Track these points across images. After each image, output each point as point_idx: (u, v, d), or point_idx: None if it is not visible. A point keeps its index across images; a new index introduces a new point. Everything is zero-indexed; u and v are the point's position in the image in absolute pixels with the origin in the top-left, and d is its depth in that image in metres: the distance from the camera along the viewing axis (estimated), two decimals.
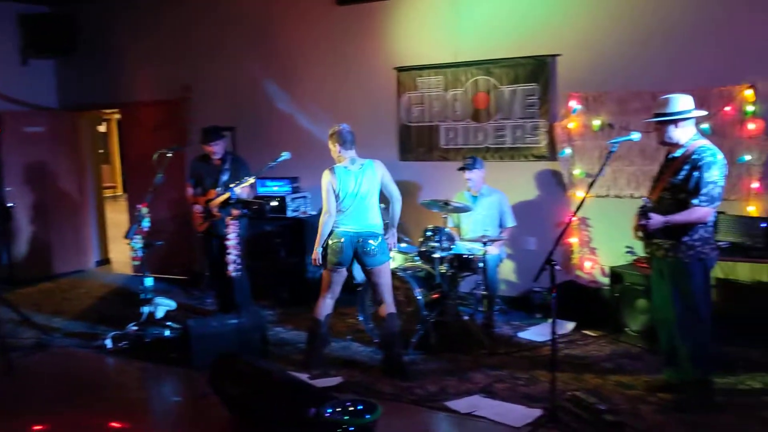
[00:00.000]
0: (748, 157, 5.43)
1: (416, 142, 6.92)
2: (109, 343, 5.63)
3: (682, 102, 4.04)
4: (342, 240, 4.82)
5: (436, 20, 6.67)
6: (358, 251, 4.83)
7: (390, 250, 5.06)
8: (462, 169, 6.04)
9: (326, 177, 4.84)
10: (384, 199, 5.05)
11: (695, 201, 3.90)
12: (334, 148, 4.90)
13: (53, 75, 9.15)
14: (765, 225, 5.02)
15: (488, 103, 6.49)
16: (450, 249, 5.57)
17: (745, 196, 5.49)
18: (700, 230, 3.96)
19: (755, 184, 5.44)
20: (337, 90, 7.28)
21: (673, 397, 4.17)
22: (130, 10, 8.49)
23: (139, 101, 8.58)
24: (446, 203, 5.63)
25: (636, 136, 4.22)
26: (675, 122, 4.02)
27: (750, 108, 5.38)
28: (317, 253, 4.89)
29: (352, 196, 4.82)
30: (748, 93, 5.38)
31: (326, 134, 4.97)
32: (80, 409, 4.33)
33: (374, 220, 4.92)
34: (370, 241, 4.82)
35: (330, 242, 4.87)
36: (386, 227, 5.09)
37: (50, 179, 8.73)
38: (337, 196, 4.83)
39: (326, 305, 5.00)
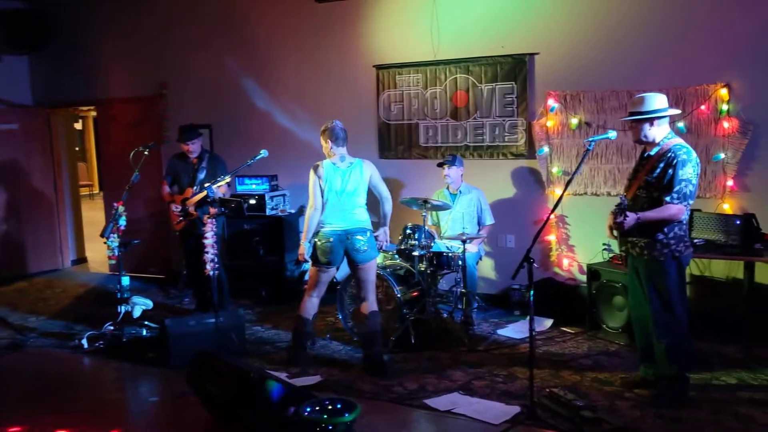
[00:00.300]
0: (723, 156, 5.49)
1: (395, 140, 6.91)
2: (85, 343, 5.57)
3: (656, 101, 4.08)
4: (331, 239, 4.81)
5: (415, 18, 6.66)
6: (348, 248, 4.83)
7: (380, 248, 5.07)
8: (441, 164, 6.07)
9: (314, 171, 4.87)
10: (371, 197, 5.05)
11: (667, 198, 3.93)
12: (326, 145, 4.91)
13: (27, 71, 9.01)
14: (739, 222, 5.08)
15: (467, 102, 6.51)
16: (429, 247, 5.58)
17: (720, 194, 5.55)
18: (675, 228, 4.00)
19: (730, 182, 5.51)
20: (317, 87, 7.25)
21: (650, 392, 4.21)
22: (106, 5, 8.38)
23: (115, 98, 8.48)
24: (425, 201, 5.63)
25: (613, 134, 4.24)
26: (650, 121, 4.05)
27: (725, 107, 5.44)
28: (304, 248, 4.88)
29: (339, 193, 4.83)
30: (723, 92, 5.43)
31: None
32: (56, 410, 4.27)
33: (361, 216, 4.92)
34: (359, 237, 4.82)
35: (318, 242, 4.85)
36: (375, 226, 5.09)
37: (25, 177, 8.61)
38: (323, 192, 4.83)
39: (312, 304, 5.01)
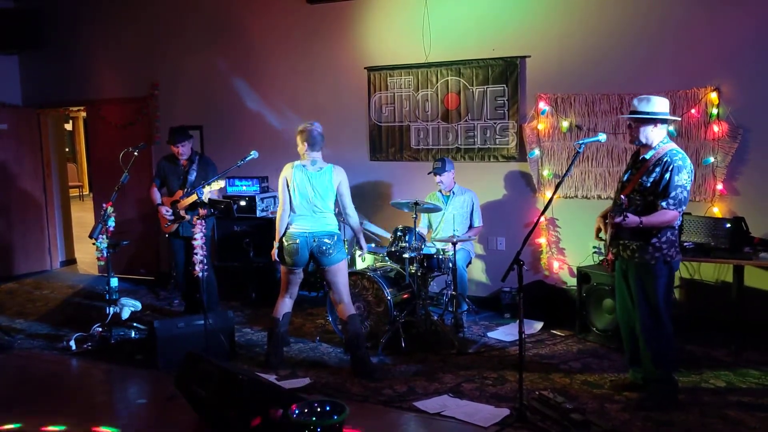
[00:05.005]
0: (712, 159, 5.51)
1: (387, 142, 6.91)
2: (73, 344, 5.53)
3: (660, 104, 4.04)
4: (297, 241, 4.80)
5: (406, 20, 6.67)
6: (314, 251, 4.82)
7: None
8: (432, 173, 6.06)
9: (284, 172, 4.88)
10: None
11: (663, 203, 3.92)
12: (301, 146, 4.89)
13: (17, 71, 8.96)
14: (729, 226, 5.09)
15: (458, 104, 6.51)
16: (420, 249, 5.57)
17: (710, 198, 5.58)
18: (668, 233, 4.00)
19: (720, 186, 5.53)
20: (308, 89, 7.24)
21: (639, 395, 4.21)
22: (97, 5, 8.35)
23: (106, 99, 8.43)
24: (416, 203, 5.62)
25: (603, 137, 4.24)
26: (654, 122, 4.03)
27: (715, 110, 5.47)
28: (276, 248, 4.87)
29: (307, 196, 4.83)
30: (713, 96, 5.46)
31: (296, 133, 4.95)
32: (43, 412, 4.24)
33: (329, 220, 4.90)
34: (326, 240, 4.81)
35: (285, 243, 4.85)
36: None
37: (14, 178, 8.56)
38: (291, 194, 4.82)
39: (284, 304, 5.02)
